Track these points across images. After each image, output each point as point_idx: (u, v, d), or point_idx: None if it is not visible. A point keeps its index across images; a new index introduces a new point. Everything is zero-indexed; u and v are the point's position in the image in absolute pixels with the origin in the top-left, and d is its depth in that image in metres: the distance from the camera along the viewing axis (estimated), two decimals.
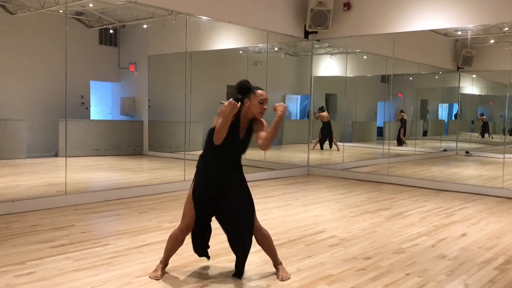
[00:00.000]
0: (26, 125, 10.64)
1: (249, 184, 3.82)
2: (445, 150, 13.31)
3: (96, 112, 12.84)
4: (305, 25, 9.57)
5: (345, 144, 12.25)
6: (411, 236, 5.17)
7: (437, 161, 12.35)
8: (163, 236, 4.84)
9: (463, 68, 11.11)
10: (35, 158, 10.55)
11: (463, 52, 10.78)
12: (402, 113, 13.18)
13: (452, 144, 13.19)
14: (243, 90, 3.68)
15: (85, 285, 3.50)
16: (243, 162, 3.80)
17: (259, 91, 3.67)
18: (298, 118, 15.08)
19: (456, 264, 4.24)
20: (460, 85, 12.46)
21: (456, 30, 9.90)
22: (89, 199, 6.53)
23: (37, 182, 7.73)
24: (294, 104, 14.95)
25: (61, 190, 6.69)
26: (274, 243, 4.69)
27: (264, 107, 3.66)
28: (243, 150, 3.79)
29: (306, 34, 9.74)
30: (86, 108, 12.08)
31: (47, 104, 10.99)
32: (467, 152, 12.72)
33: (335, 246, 4.71)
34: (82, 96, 11.90)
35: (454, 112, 13.80)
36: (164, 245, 4.55)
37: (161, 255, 3.94)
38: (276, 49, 12.50)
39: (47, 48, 10.95)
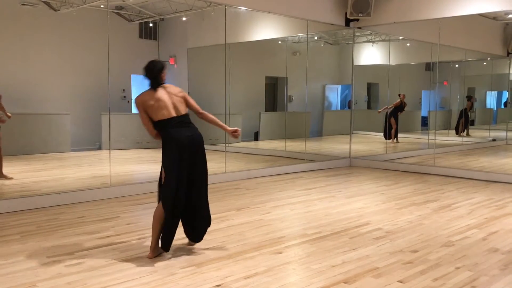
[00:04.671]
0: (71, 119, 10.93)
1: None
2: (494, 140, 12.81)
3: None
4: (346, 13, 9.35)
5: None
6: (460, 228, 4.99)
7: (485, 151, 11.91)
8: None
9: None
10: (79, 151, 10.84)
11: None
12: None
13: (502, 134, 12.67)
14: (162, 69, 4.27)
15: (132, 275, 3.54)
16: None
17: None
18: (339, 108, 14.87)
19: (510, 258, 4.06)
20: (511, 71, 11.93)
21: (507, 13, 9.43)
22: (133, 191, 6.63)
23: (82, 175, 7.93)
24: (334, 94, 14.75)
25: (105, 183, 6.82)
26: (317, 235, 4.66)
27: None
28: None
29: (347, 22, 9.53)
30: (128, 101, 12.28)
31: (90, 98, 11.25)
32: None
33: (381, 238, 4.59)
34: (124, 89, 12.11)
35: (504, 100, 13.24)
36: (206, 236, 4.54)
37: (204, 245, 3.91)
38: (315, 38, 12.32)
39: (89, 43, 11.19)
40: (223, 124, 4.35)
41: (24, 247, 4.20)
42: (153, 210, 5.79)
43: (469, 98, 12.73)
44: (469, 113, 12.74)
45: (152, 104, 4.02)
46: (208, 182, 7.55)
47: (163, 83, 4.18)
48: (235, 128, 4.32)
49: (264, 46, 12.14)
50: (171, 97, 4.11)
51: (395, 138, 12.13)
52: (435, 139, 10.35)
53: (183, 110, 4.12)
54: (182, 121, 4.07)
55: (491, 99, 13.63)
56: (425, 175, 8.67)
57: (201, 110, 4.27)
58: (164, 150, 4.03)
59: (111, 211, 5.61)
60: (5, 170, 7.26)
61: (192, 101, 4.27)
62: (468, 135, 12.77)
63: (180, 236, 4.52)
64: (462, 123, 12.75)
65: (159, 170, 4.13)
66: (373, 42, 11.68)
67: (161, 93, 4.09)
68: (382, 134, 12.21)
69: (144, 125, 4.09)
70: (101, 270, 3.64)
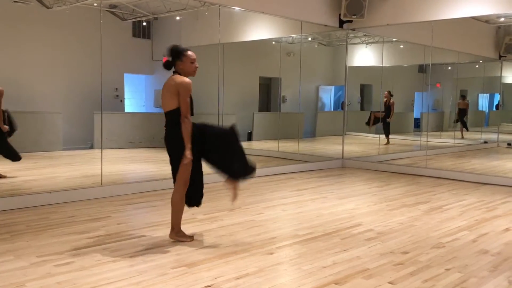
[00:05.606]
0: (63, 118, 10.86)
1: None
2: (485, 142, 12.89)
3: (130, 104, 12.99)
4: (339, 14, 9.37)
5: (381, 136, 12.01)
6: (451, 230, 5.01)
7: (477, 153, 11.98)
8: (198, 228, 4.86)
9: (505, 56, 10.70)
10: (71, 150, 10.77)
11: (505, 40, 10.38)
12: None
13: (493, 136, 12.76)
14: (175, 54, 4.15)
15: (122, 275, 3.52)
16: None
17: (189, 52, 4.16)
18: (332, 109, 14.90)
19: (500, 260, 4.08)
20: (502, 74, 12.01)
21: (499, 16, 9.50)
22: (124, 190, 6.60)
23: (73, 174, 7.88)
24: (328, 95, 14.79)
25: (97, 182, 6.79)
26: (309, 236, 4.66)
27: (196, 65, 4.19)
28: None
29: (341, 23, 9.54)
30: (121, 100, 12.22)
31: (82, 97, 11.19)
32: (509, 144, 12.28)
33: (372, 240, 4.60)
34: (117, 88, 12.06)
35: (495, 102, 13.33)
36: (197, 237, 4.55)
37: (195, 246, 3.92)
38: (309, 39, 12.34)
39: (82, 42, 11.13)
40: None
41: (13, 246, 4.17)
42: (144, 209, 5.81)
43: (464, 97, 12.81)
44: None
45: None
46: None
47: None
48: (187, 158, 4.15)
49: (258, 47, 12.14)
50: None
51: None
52: (427, 141, 10.39)
53: None
54: None
55: (483, 102, 13.72)
56: (417, 176, 8.71)
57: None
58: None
59: (102, 211, 5.58)
60: None
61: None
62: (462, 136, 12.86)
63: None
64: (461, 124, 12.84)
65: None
66: (367, 43, 11.71)
67: None
68: (379, 135, 12.20)
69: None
70: (91, 270, 3.62)
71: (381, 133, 12.12)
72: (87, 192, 6.29)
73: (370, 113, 12.33)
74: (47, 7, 10.40)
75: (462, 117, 12.89)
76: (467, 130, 12.90)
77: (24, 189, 6.50)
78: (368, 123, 12.30)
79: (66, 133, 10.95)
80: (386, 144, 12.05)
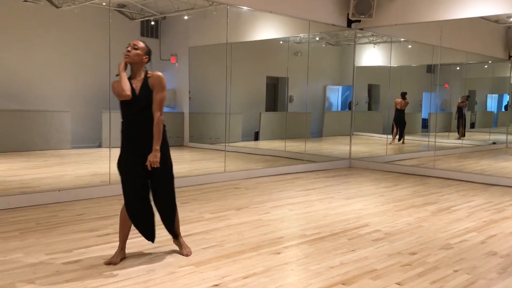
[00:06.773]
0: (71, 116, 10.92)
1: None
2: (494, 143, 12.80)
3: None
4: (348, 14, 9.35)
5: (389, 136, 11.97)
6: (459, 231, 4.99)
7: (486, 154, 11.89)
8: (205, 227, 4.87)
9: None
10: (79, 149, 10.84)
11: None
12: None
13: (502, 137, 12.65)
14: None
15: (131, 273, 3.54)
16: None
17: None
18: (340, 109, 14.87)
19: (508, 262, 4.05)
20: None
21: (509, 16, 9.43)
22: None
23: (82, 172, 7.92)
24: (335, 95, 14.74)
25: (105, 180, 6.82)
26: (316, 236, 4.65)
27: (127, 48, 3.93)
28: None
29: (349, 23, 9.52)
30: None
31: (90, 96, 11.24)
32: None
33: (379, 240, 4.59)
34: None
35: (504, 103, 13.22)
36: (205, 236, 4.55)
37: (203, 245, 3.93)
38: (317, 38, 12.31)
39: (90, 41, 11.18)
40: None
41: (23, 243, 4.20)
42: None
43: (468, 97, 12.71)
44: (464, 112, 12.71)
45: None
46: (208, 181, 7.63)
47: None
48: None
49: (265, 46, 12.13)
50: None
51: (396, 139, 12.15)
52: (435, 141, 10.35)
53: None
54: None
55: (491, 102, 13.61)
56: (425, 177, 8.67)
57: None
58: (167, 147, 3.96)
59: (110, 209, 5.60)
60: (4, 167, 7.27)
61: None
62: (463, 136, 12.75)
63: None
64: (462, 124, 12.71)
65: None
66: (375, 43, 11.66)
67: None
68: (387, 135, 12.15)
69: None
70: (100, 268, 3.64)
71: (389, 133, 12.08)
72: (95, 190, 6.33)
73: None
74: (56, 7, 10.46)
75: (461, 117, 12.71)
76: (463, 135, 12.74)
77: (33, 187, 6.55)
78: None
79: (74, 132, 11.01)
80: (392, 143, 12.01)
